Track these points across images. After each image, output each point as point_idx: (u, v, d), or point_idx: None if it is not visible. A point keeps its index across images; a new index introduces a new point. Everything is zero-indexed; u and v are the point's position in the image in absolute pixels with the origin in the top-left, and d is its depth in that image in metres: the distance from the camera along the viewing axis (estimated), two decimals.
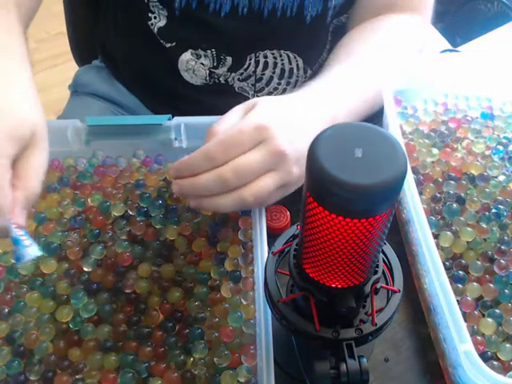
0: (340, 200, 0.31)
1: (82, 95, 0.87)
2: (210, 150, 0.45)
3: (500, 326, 0.51)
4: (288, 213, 0.62)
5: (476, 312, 0.52)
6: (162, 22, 0.69)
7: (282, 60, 0.71)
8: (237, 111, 0.50)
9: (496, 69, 0.70)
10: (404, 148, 0.34)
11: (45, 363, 0.48)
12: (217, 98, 0.73)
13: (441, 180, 0.62)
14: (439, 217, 0.59)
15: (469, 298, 0.52)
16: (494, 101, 0.71)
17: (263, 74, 0.72)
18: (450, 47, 0.85)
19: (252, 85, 0.73)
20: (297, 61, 0.72)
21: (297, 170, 0.49)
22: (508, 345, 0.49)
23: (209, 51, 0.70)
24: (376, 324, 0.40)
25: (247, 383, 0.47)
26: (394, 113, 0.63)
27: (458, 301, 0.49)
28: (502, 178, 0.62)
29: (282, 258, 0.46)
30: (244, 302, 0.52)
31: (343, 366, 0.38)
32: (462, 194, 0.60)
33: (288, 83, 0.74)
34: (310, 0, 0.66)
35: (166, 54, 0.72)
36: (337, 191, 0.31)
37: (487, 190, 0.61)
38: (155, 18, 0.69)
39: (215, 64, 0.71)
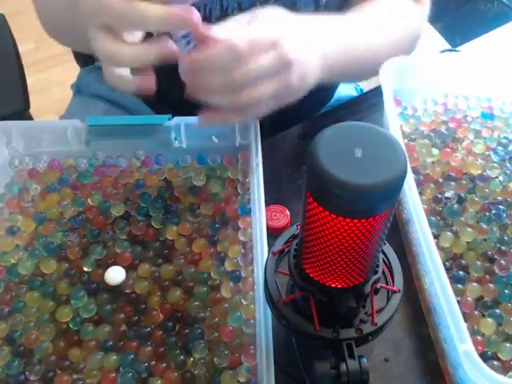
0: (340, 200, 0.31)
1: (85, 96, 0.87)
2: (238, 46, 0.44)
3: (500, 326, 0.51)
4: (288, 212, 0.62)
5: (476, 312, 0.52)
6: None
7: None
8: (239, 19, 0.49)
9: (496, 69, 0.70)
10: (404, 148, 0.34)
11: (45, 363, 0.48)
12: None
13: (441, 180, 0.62)
14: (439, 217, 0.59)
15: (469, 298, 0.52)
16: (494, 101, 0.71)
17: None
18: (450, 47, 0.85)
19: None
20: None
21: (295, 83, 0.49)
22: (508, 344, 0.49)
23: None
24: (376, 324, 0.40)
25: (247, 383, 0.47)
26: (394, 113, 0.63)
27: (458, 301, 0.49)
28: (501, 177, 0.62)
29: (282, 257, 0.46)
30: (244, 302, 0.52)
31: (343, 366, 0.38)
32: (462, 194, 0.60)
33: None
34: (302, 1, 0.66)
35: None
36: (337, 191, 0.31)
37: (487, 190, 0.61)
38: None
39: None
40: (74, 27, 0.55)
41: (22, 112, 0.94)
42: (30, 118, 0.97)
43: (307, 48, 0.51)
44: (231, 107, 0.49)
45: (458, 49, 0.84)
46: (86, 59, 0.93)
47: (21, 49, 0.93)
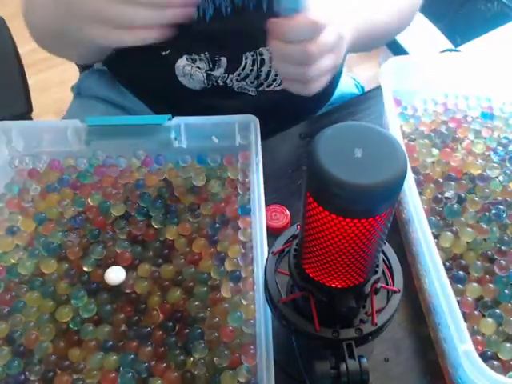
0: (340, 200, 0.31)
1: (85, 98, 0.87)
2: (319, 21, 0.48)
3: (500, 326, 0.51)
4: (288, 212, 0.62)
5: (476, 312, 0.52)
6: None
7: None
8: None
9: (496, 69, 0.70)
10: (404, 148, 0.34)
11: (45, 363, 0.48)
12: (217, 100, 0.73)
13: (441, 180, 0.62)
14: (439, 217, 0.59)
15: (469, 298, 0.52)
16: (494, 101, 0.71)
17: (261, 71, 0.72)
18: (451, 46, 0.85)
19: (251, 82, 0.73)
20: None
21: (342, 57, 0.55)
22: (508, 344, 0.49)
23: (202, 54, 0.70)
24: (376, 324, 0.40)
25: (247, 383, 0.47)
26: (394, 113, 0.63)
27: (458, 301, 0.49)
28: (501, 177, 0.62)
29: (282, 257, 0.46)
30: (244, 302, 0.52)
31: (343, 366, 0.38)
32: (462, 194, 0.60)
33: None
34: None
35: (163, 62, 0.72)
36: (337, 191, 0.31)
37: (487, 190, 0.61)
38: None
39: (211, 66, 0.71)
40: (62, 34, 0.57)
41: (24, 115, 0.94)
42: (29, 118, 0.97)
43: (347, 22, 0.55)
44: (301, 78, 0.52)
45: (458, 49, 0.84)
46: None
47: (21, 49, 0.93)
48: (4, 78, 0.92)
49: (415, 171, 0.63)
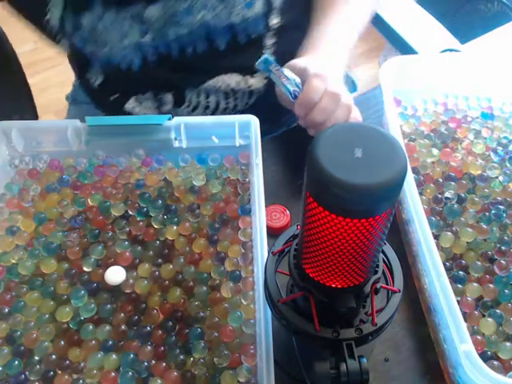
0: (340, 200, 0.31)
1: (81, 104, 0.87)
2: (339, 94, 0.58)
3: (500, 326, 0.51)
4: (288, 212, 0.62)
5: (476, 312, 0.52)
6: (99, 80, 0.71)
7: (221, 83, 0.72)
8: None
9: (496, 69, 0.70)
10: (404, 148, 0.34)
11: (45, 363, 0.48)
12: None
13: (441, 180, 0.62)
14: (439, 217, 0.59)
15: (469, 298, 0.52)
16: (494, 101, 0.71)
17: (208, 102, 0.74)
18: (457, 43, 0.85)
19: (203, 112, 0.75)
20: (233, 77, 0.72)
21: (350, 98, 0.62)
22: (508, 344, 0.49)
23: (147, 94, 0.72)
24: (376, 324, 0.40)
25: (247, 383, 0.47)
26: (394, 113, 0.63)
27: (458, 301, 0.49)
28: (501, 178, 0.62)
29: (282, 257, 0.46)
30: (244, 302, 0.52)
31: (343, 366, 0.38)
32: (462, 194, 0.60)
33: (236, 98, 0.75)
34: (215, 33, 0.66)
35: (113, 105, 0.74)
36: (337, 191, 0.31)
37: (487, 190, 0.61)
38: (93, 78, 0.71)
39: (158, 104, 0.73)
40: None
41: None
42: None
43: (334, 76, 0.60)
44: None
45: (458, 48, 0.84)
46: (79, 70, 0.93)
47: (21, 49, 0.93)
48: (11, 89, 0.93)
49: (415, 171, 0.63)
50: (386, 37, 0.92)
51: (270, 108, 0.69)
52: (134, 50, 0.64)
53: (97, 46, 0.62)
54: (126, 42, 0.62)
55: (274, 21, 0.67)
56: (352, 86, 0.89)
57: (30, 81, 0.94)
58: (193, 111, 0.74)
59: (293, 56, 0.66)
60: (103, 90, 0.73)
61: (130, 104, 0.73)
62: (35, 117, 0.97)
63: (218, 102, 0.73)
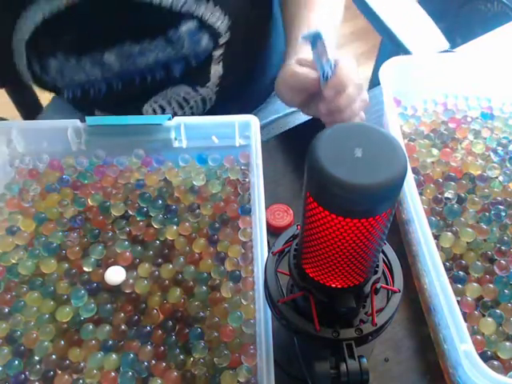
0: (340, 200, 0.31)
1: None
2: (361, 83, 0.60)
3: (500, 326, 0.51)
4: (291, 211, 0.62)
5: (476, 312, 0.52)
6: (70, 96, 0.73)
7: (174, 94, 0.74)
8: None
9: (496, 69, 0.70)
10: (404, 148, 0.34)
11: (45, 363, 0.48)
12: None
13: (441, 180, 0.62)
14: (439, 217, 0.59)
15: (469, 298, 0.52)
16: (494, 101, 0.71)
17: (165, 114, 0.76)
18: (443, 48, 0.85)
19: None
20: (184, 89, 0.75)
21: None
22: (508, 343, 0.49)
23: (109, 109, 0.76)
24: (376, 324, 0.40)
25: (247, 383, 0.47)
26: (394, 113, 0.63)
27: (458, 301, 0.49)
28: (501, 178, 0.62)
29: (282, 257, 0.46)
30: (244, 302, 0.52)
31: (343, 366, 0.38)
32: (462, 194, 0.60)
33: (191, 107, 0.77)
34: (172, 62, 0.68)
35: (84, 113, 0.77)
36: (337, 191, 0.31)
37: (487, 190, 0.61)
38: (65, 94, 0.73)
39: None
40: None
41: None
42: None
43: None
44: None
45: (456, 49, 0.84)
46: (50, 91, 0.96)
47: None
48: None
49: (415, 171, 0.63)
50: (380, 34, 0.93)
51: (233, 110, 0.70)
52: (100, 81, 0.68)
53: (65, 82, 0.67)
54: (93, 78, 0.67)
55: (223, 40, 0.69)
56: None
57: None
58: None
59: (239, 64, 0.71)
60: (74, 103, 0.79)
61: (97, 114, 0.79)
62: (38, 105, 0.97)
63: (175, 112, 0.76)
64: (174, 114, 0.76)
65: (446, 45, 0.82)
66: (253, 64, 0.82)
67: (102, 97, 0.70)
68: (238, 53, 0.73)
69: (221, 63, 0.73)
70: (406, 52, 0.86)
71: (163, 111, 0.76)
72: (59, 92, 0.72)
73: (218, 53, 0.71)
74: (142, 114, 0.76)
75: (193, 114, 0.78)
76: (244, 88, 0.82)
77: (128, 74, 0.68)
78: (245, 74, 0.80)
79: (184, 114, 0.77)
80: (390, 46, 0.90)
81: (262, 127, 0.80)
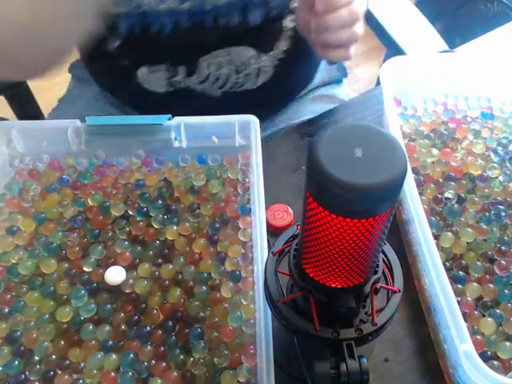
0: (340, 200, 0.31)
1: (79, 80, 0.88)
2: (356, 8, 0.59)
3: (500, 326, 0.51)
4: (291, 211, 0.62)
5: (476, 312, 0.52)
6: (117, 43, 0.71)
7: (236, 55, 0.72)
8: None
9: (496, 69, 0.70)
10: (404, 148, 0.34)
11: (45, 363, 0.48)
12: (182, 103, 0.75)
13: (441, 180, 0.62)
14: (439, 217, 0.59)
15: (469, 298, 0.52)
16: (494, 101, 0.71)
17: (219, 74, 0.74)
18: (446, 47, 0.85)
19: (212, 84, 0.75)
20: (249, 51, 0.73)
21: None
22: (508, 343, 0.49)
23: (162, 65, 0.72)
24: (376, 324, 0.40)
25: (247, 383, 0.47)
26: (394, 113, 0.63)
27: (458, 301, 0.49)
28: (501, 178, 0.62)
29: (282, 257, 0.46)
30: (244, 302, 0.52)
31: (343, 366, 0.38)
32: (462, 194, 0.60)
33: (246, 75, 0.75)
34: (252, 6, 0.67)
35: (124, 71, 0.74)
36: (337, 191, 0.31)
37: (487, 190, 0.61)
38: (111, 40, 0.71)
39: (170, 75, 0.73)
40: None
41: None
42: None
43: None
44: (348, 41, 0.61)
45: (456, 49, 0.84)
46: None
47: None
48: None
49: (415, 171, 0.63)
50: (377, 36, 0.93)
51: (275, 95, 0.69)
52: (169, 15, 0.64)
53: (130, 7, 0.61)
54: (163, 7, 0.62)
55: (295, 4, 0.69)
56: (343, 70, 0.90)
57: (30, 81, 0.94)
58: (202, 83, 0.74)
59: (300, 50, 0.70)
60: (118, 54, 0.73)
61: (143, 71, 0.73)
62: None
63: (229, 75, 0.74)
64: (226, 78, 0.74)
65: (443, 46, 0.82)
66: (308, 59, 0.81)
67: (163, 37, 0.66)
68: (302, 40, 0.72)
69: (288, 40, 0.73)
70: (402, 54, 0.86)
71: (219, 67, 0.73)
72: (113, 29, 0.67)
73: (289, 24, 0.71)
74: (194, 70, 0.72)
75: (242, 85, 0.76)
76: (293, 77, 0.81)
77: (200, 12, 0.64)
78: (299, 63, 0.80)
79: (235, 82, 0.75)
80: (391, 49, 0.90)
81: (274, 133, 0.80)
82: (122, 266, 0.54)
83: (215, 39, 0.70)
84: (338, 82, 0.91)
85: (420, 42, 0.83)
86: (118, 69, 0.75)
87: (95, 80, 0.84)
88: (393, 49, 0.88)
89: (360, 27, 0.60)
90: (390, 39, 0.89)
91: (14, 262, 0.55)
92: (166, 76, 0.73)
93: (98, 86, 0.84)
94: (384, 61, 0.77)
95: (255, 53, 0.73)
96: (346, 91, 0.90)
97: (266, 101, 0.78)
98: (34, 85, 0.96)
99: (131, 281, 0.53)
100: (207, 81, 0.74)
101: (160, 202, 0.59)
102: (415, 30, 0.90)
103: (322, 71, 0.87)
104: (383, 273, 0.43)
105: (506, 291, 0.53)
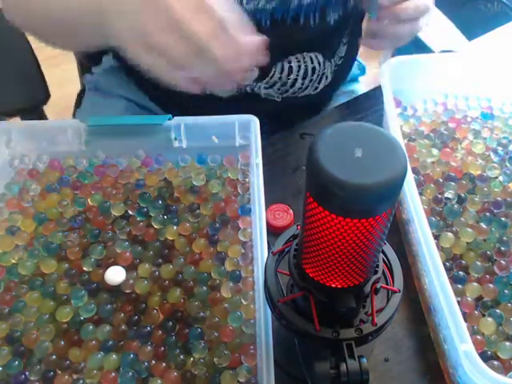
0: (340, 200, 0.31)
1: (103, 94, 0.84)
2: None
3: (500, 325, 0.51)
4: (291, 211, 0.62)
5: (476, 312, 0.52)
6: None
7: (305, 62, 0.74)
8: None
9: (496, 69, 0.70)
10: (404, 148, 0.34)
11: (45, 363, 0.48)
12: (243, 106, 0.73)
13: (441, 180, 0.62)
14: (439, 217, 0.59)
15: (469, 299, 0.52)
16: (494, 101, 0.71)
17: (288, 79, 0.74)
18: (460, 42, 0.85)
19: (278, 89, 0.75)
20: (318, 58, 0.74)
21: None
22: (508, 343, 0.49)
23: None
24: (376, 324, 0.40)
25: (247, 383, 0.47)
26: (394, 113, 0.63)
27: (458, 301, 0.49)
28: (501, 178, 0.62)
29: (282, 257, 0.46)
30: (244, 302, 0.52)
31: (343, 366, 0.38)
32: (462, 195, 0.60)
33: (311, 80, 0.76)
34: (331, 6, 0.68)
35: None
36: (337, 191, 0.31)
37: (487, 190, 0.61)
38: None
39: None
40: (74, 31, 0.56)
41: (41, 103, 0.93)
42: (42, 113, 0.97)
43: None
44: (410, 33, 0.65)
45: (456, 49, 0.84)
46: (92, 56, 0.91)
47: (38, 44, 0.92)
48: (20, 68, 0.92)
49: (415, 171, 0.63)
50: None
51: (328, 98, 0.71)
52: (252, 14, 0.64)
53: None
54: (248, 7, 0.63)
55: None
56: (362, 68, 0.92)
57: (47, 74, 0.93)
58: (271, 87, 0.75)
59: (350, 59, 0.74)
60: None
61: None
62: (46, 93, 0.95)
63: (296, 79, 0.74)
64: (293, 84, 0.75)
65: (464, 41, 0.82)
66: (353, 63, 0.84)
67: None
68: (355, 45, 0.74)
69: (345, 45, 0.75)
70: (427, 50, 0.87)
71: (290, 72, 0.73)
72: None
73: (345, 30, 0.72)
74: (268, 74, 0.72)
75: (304, 90, 0.77)
76: (343, 81, 0.83)
77: (286, 8, 0.64)
78: (349, 68, 0.83)
79: (299, 88, 0.76)
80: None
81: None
82: (122, 266, 0.54)
83: (292, 43, 0.71)
84: (356, 78, 0.93)
85: (443, 38, 0.84)
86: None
87: (137, 85, 0.81)
88: (416, 45, 0.89)
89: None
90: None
91: (14, 261, 0.55)
92: None
93: (136, 89, 0.82)
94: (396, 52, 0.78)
95: (323, 59, 0.74)
96: (361, 87, 0.93)
97: (318, 104, 0.80)
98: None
99: (131, 281, 0.53)
100: (275, 86, 0.75)
101: (160, 202, 0.59)
102: (437, 27, 0.91)
103: None
104: (383, 273, 0.43)
105: (505, 291, 0.53)
